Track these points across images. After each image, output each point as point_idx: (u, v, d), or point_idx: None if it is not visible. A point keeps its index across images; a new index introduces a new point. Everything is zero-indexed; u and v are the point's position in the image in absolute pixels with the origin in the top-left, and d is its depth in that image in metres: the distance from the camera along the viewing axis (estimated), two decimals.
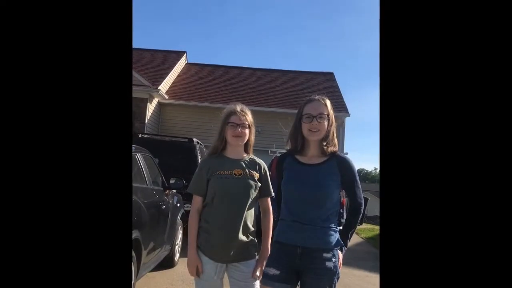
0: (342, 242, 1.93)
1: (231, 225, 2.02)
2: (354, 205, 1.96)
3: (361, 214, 1.98)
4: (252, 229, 2.10)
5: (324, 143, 1.91)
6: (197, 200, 2.11)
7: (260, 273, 2.04)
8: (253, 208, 2.10)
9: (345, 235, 1.96)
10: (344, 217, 7.89)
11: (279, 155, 8.20)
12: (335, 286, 1.85)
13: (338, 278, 1.87)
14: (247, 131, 2.09)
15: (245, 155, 2.16)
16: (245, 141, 2.12)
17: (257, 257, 2.11)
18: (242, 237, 2.03)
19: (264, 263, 2.02)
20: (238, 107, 2.12)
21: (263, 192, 2.14)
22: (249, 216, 2.07)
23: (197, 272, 2.03)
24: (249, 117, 2.13)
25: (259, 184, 2.11)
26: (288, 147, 2.04)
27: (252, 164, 2.13)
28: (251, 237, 2.09)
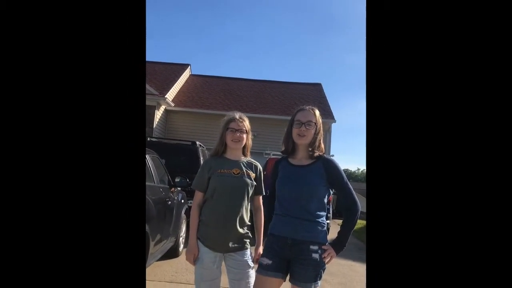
0: (339, 240, 1.86)
1: (229, 219, 2.02)
2: (346, 203, 1.89)
3: (356, 212, 1.86)
4: (248, 223, 2.10)
5: (310, 149, 1.93)
6: (198, 196, 2.13)
7: (255, 262, 2.05)
8: (249, 204, 2.11)
9: (341, 233, 1.87)
10: (331, 212, 7.88)
11: (272, 156, 8.25)
12: (321, 276, 1.84)
13: (324, 270, 1.85)
14: (244, 135, 2.11)
15: (243, 157, 2.17)
16: (243, 144, 2.13)
17: (252, 248, 2.12)
18: (238, 229, 2.03)
19: (258, 253, 2.03)
20: (237, 115, 2.14)
21: (256, 191, 2.15)
22: (245, 211, 2.08)
23: (193, 259, 2.04)
24: (247, 124, 2.14)
25: (255, 183, 2.12)
26: (282, 149, 2.06)
27: (249, 165, 2.15)
28: (246, 230, 2.09)
